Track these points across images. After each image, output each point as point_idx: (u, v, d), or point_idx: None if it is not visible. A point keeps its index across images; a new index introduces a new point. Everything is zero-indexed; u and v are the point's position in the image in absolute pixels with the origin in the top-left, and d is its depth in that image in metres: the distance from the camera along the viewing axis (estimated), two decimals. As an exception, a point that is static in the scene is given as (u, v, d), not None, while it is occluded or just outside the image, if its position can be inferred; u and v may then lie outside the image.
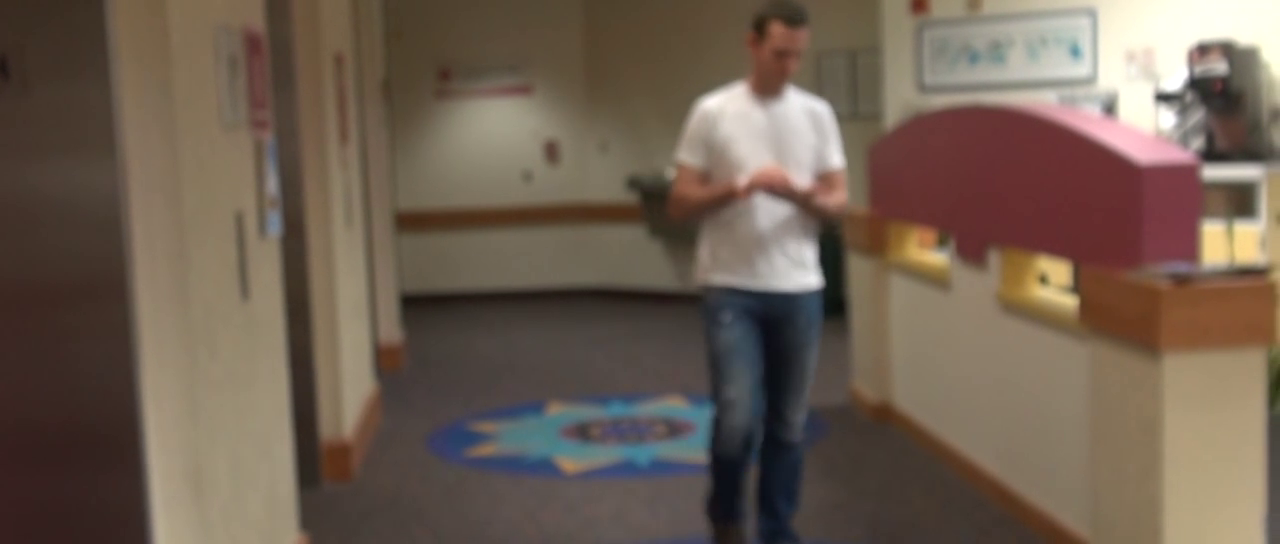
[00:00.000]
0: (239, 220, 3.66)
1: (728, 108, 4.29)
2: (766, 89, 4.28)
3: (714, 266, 4.27)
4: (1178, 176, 3.80)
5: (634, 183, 10.46)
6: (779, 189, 4.11)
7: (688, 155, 4.30)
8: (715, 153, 4.24)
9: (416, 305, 10.54)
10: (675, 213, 4.33)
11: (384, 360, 7.94)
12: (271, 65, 4.59)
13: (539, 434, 6.39)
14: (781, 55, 4.17)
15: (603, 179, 11.07)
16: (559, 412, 6.85)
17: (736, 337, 4.19)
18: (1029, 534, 4.64)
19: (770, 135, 4.26)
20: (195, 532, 3.16)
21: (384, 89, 8.30)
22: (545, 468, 5.78)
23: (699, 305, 4.36)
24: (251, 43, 3.86)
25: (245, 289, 3.69)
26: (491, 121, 11.28)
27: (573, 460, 5.87)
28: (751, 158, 4.20)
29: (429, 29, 11.09)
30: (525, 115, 11.25)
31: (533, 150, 11.26)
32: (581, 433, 6.38)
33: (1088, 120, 4.42)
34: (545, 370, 8.10)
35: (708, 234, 4.29)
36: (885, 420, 6.34)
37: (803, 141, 4.32)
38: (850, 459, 5.79)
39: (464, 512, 5.19)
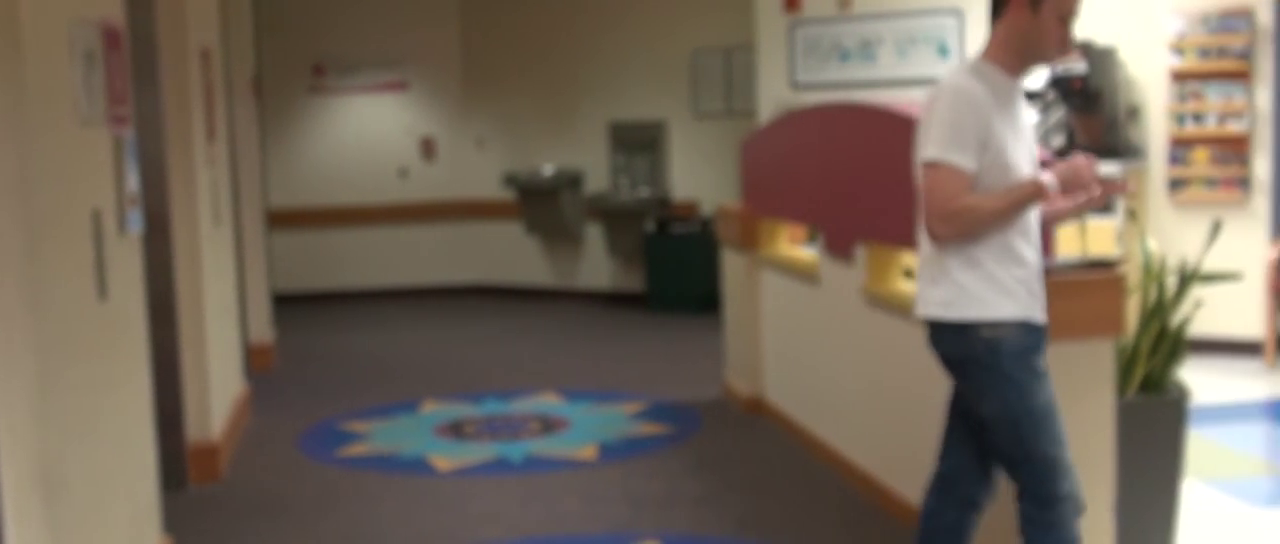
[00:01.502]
0: (96, 219, 3.58)
1: (993, 95, 3.22)
2: (1025, 67, 3.29)
3: (1002, 295, 3.23)
4: (1032, 173, 3.90)
5: (511, 180, 10.43)
6: (1087, 190, 3.29)
7: (960, 155, 3.16)
8: (989, 155, 3.19)
9: (291, 304, 10.39)
10: (951, 230, 3.20)
11: (255, 360, 7.82)
12: (133, 60, 4.50)
13: (412, 433, 6.35)
14: (1068, 19, 3.25)
15: (480, 176, 11.02)
16: (433, 410, 6.81)
17: (1052, 392, 3.30)
18: (895, 523, 4.74)
19: (1026, 131, 3.36)
20: (48, 537, 3.09)
21: (254, 85, 8.17)
22: (418, 466, 5.74)
23: (973, 349, 3.26)
24: (109, 37, 3.78)
25: (103, 289, 3.61)
26: (366, 118, 11.16)
27: (446, 459, 5.84)
28: (1021, 164, 3.27)
29: (302, 24, 10.94)
30: (401, 112, 11.15)
31: (409, 147, 11.17)
32: (455, 431, 6.35)
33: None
34: (420, 368, 8.05)
35: (983, 254, 3.23)
36: (757, 413, 6.42)
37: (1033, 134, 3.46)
38: (722, 452, 5.85)
39: (335, 512, 5.14)
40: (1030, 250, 3.28)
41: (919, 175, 3.26)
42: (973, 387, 3.31)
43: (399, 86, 11.13)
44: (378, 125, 11.15)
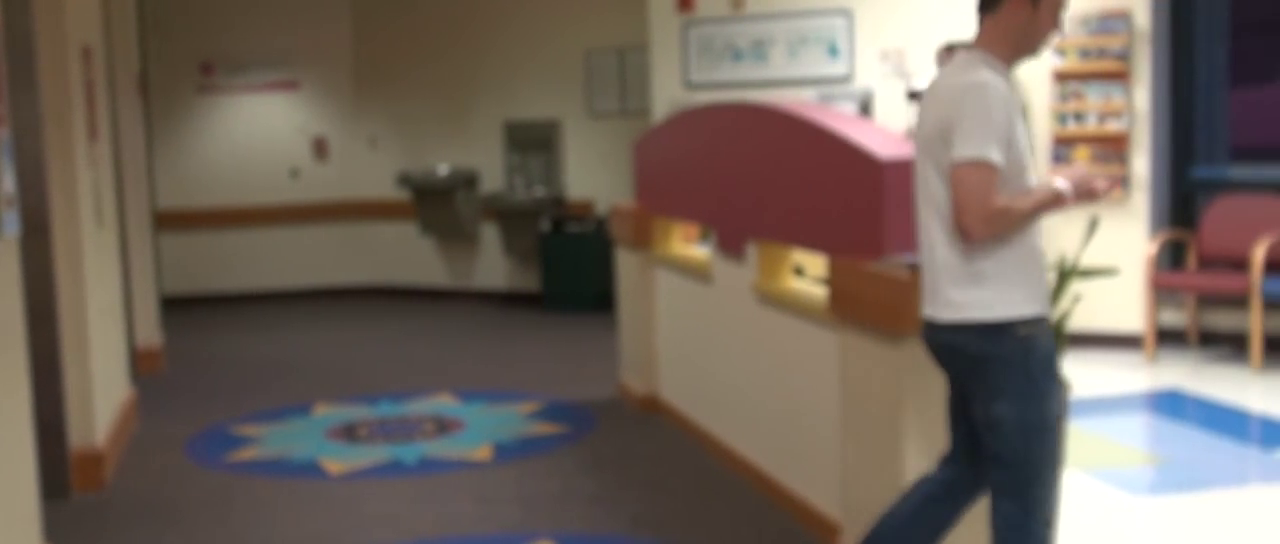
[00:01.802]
0: (-31, 220, 3.48)
1: (1008, 89, 3.21)
2: (1018, 58, 3.29)
3: (1031, 294, 3.21)
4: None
5: (405, 179, 10.35)
6: (1093, 197, 3.27)
7: (996, 153, 3.11)
8: (1011, 151, 3.16)
9: (180, 307, 10.21)
10: (990, 231, 3.14)
11: (142, 364, 7.67)
12: (9, 58, 4.38)
13: (304, 436, 6.27)
14: (1061, 11, 3.27)
15: (373, 176, 10.92)
16: (326, 413, 6.73)
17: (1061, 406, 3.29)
18: (786, 519, 4.79)
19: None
20: (-79, 548, 3.00)
21: (140, 84, 8.00)
22: (310, 470, 5.68)
23: (1003, 348, 3.20)
24: (-19, 34, 3.68)
25: (-23, 292, 3.51)
26: (257, 117, 11.00)
27: (338, 462, 5.78)
28: (1028, 160, 3.27)
29: (189, 22, 10.74)
30: (292, 111, 11.01)
31: (300, 147, 11.02)
32: (348, 433, 6.29)
33: (834, 117, 4.59)
34: (313, 371, 7.95)
35: (1012, 254, 3.20)
36: (652, 412, 6.45)
37: None
38: (617, 451, 5.86)
39: (224, 518, 5.06)
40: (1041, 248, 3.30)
41: (952, 175, 3.16)
42: (990, 385, 3.23)
43: (290, 85, 10.99)
44: (268, 125, 11.00)
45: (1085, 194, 3.21)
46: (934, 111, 3.24)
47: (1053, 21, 3.24)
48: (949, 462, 3.52)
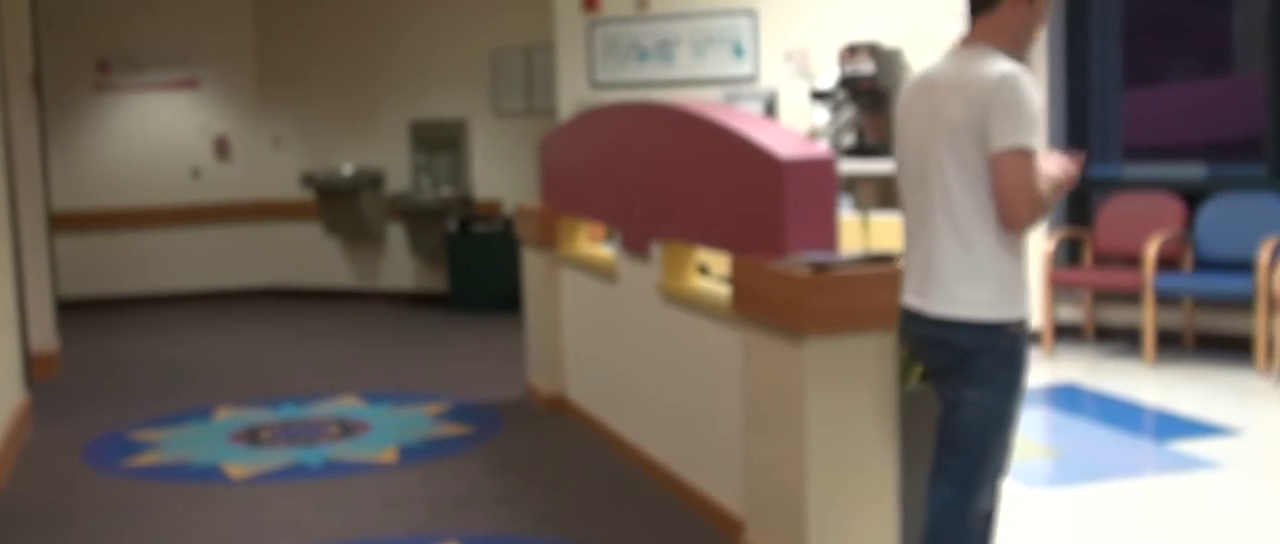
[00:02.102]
0: None
1: None
2: (1018, 53, 3.26)
3: (1024, 293, 3.26)
4: (816, 170, 4.02)
5: (309, 179, 10.23)
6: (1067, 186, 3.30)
7: (1037, 141, 3.12)
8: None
9: (78, 310, 9.99)
10: (1035, 218, 3.16)
11: (37, 369, 7.49)
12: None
13: (205, 440, 6.18)
14: (1051, 6, 3.34)
15: (276, 176, 10.78)
16: (227, 416, 6.64)
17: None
18: (691, 517, 4.82)
19: None
20: None
21: (34, 82, 7.82)
22: (211, 475, 5.59)
23: (997, 343, 3.23)
24: None
25: None
26: (156, 117, 10.80)
27: (240, 466, 5.70)
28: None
29: (85, 19, 10.52)
30: (193, 110, 10.82)
31: (201, 146, 10.85)
32: (251, 437, 6.20)
33: (737, 117, 4.62)
34: (215, 374, 7.83)
35: (1008, 251, 3.22)
36: (559, 412, 6.44)
37: None
38: (524, 451, 5.85)
39: (122, 525, 4.97)
40: None
41: (996, 165, 3.11)
42: (974, 374, 3.25)
43: (190, 84, 10.80)
44: (168, 124, 10.80)
45: (1066, 182, 3.26)
46: (957, 103, 3.17)
47: (1045, 17, 3.30)
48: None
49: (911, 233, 3.37)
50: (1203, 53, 9.80)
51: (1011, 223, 3.15)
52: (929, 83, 3.30)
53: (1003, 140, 3.08)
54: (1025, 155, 3.08)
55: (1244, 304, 6.99)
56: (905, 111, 3.38)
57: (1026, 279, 3.26)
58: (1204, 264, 7.36)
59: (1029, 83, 3.12)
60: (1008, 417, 3.28)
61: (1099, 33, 7.77)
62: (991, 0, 3.24)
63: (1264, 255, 6.73)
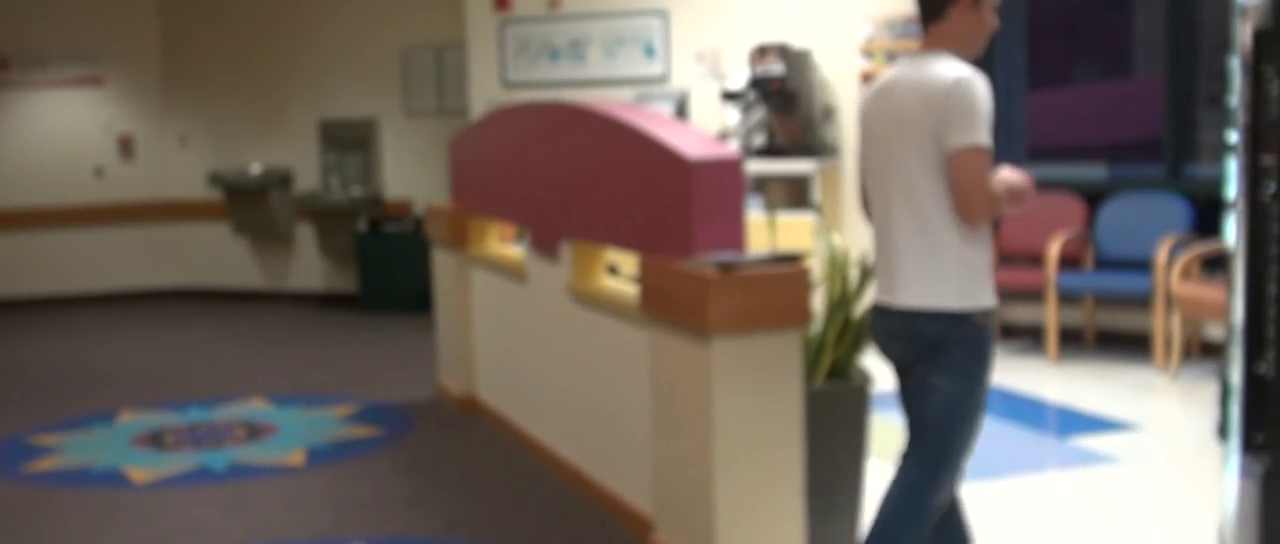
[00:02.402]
0: None
1: None
2: (971, 57, 3.45)
3: (989, 283, 3.39)
4: (723, 171, 4.05)
5: (217, 179, 10.08)
6: (1024, 199, 3.46)
7: (990, 140, 3.29)
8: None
9: (-25, 312, 9.77)
10: (990, 213, 3.31)
11: (-67, 373, 7.32)
12: None
13: (108, 444, 6.07)
14: (996, 8, 3.52)
15: (183, 175, 10.60)
16: (131, 420, 6.52)
17: None
18: (601, 516, 4.82)
19: None
20: None
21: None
22: (113, 479, 5.49)
23: (963, 332, 3.37)
24: None
25: None
26: (58, 114, 10.56)
27: (144, 470, 5.60)
28: None
29: (-17, 14, 10.29)
30: (96, 108, 10.61)
31: (105, 145, 10.63)
32: (155, 441, 6.10)
33: (646, 117, 4.63)
34: (119, 377, 7.69)
35: (973, 241, 3.36)
36: (471, 413, 6.42)
37: None
38: (434, 453, 5.82)
39: (20, 532, 4.86)
40: None
41: (953, 162, 3.27)
42: (942, 362, 3.39)
43: (94, 81, 10.59)
44: (70, 122, 10.57)
45: (1021, 196, 3.42)
46: (915, 105, 3.33)
47: (993, 21, 3.49)
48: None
49: (878, 232, 3.51)
50: (1105, 56, 10.01)
51: (967, 216, 3.31)
52: (889, 87, 3.47)
53: (958, 139, 3.26)
54: (979, 153, 3.26)
55: (1143, 302, 7.14)
56: (868, 115, 3.53)
57: (990, 269, 3.40)
58: (1104, 263, 7.51)
59: (981, 85, 3.29)
60: (974, 403, 3.42)
61: (1004, 36, 7.90)
62: (940, 9, 3.44)
63: (1161, 254, 6.89)
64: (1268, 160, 3.58)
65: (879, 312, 3.50)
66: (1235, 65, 3.98)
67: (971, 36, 3.45)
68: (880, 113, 3.47)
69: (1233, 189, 4.07)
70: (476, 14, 8.92)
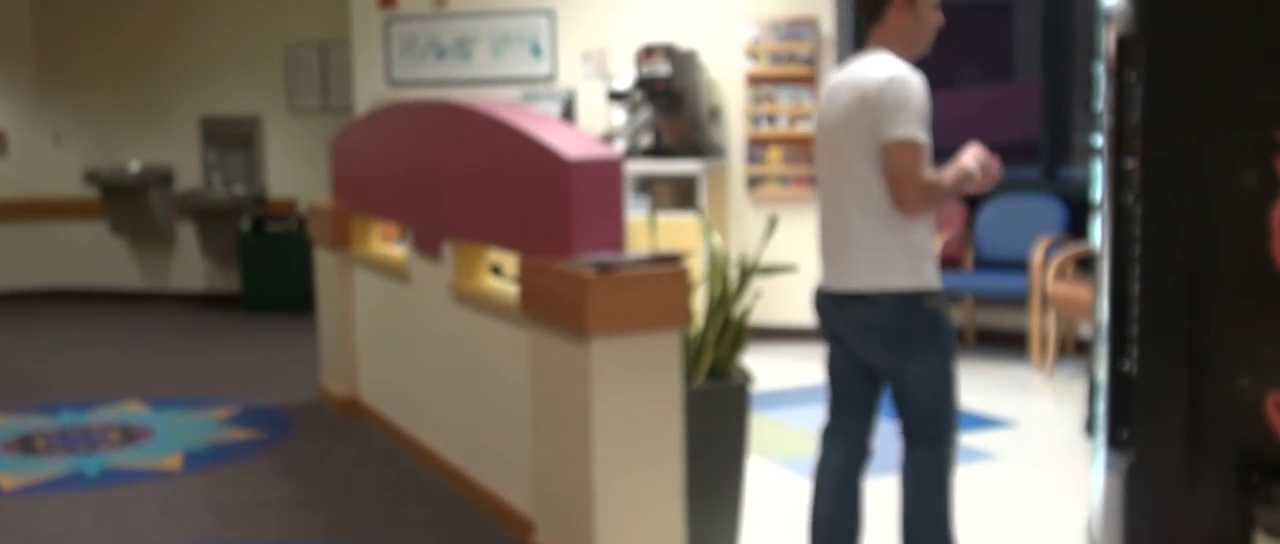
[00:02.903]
0: None
1: None
2: (912, 56, 3.62)
3: (934, 267, 3.57)
4: (603, 171, 4.04)
5: (93, 177, 9.83)
6: (990, 179, 3.64)
7: (924, 134, 3.46)
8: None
9: None
10: (926, 203, 3.47)
11: None
12: None
13: (-26, 450, 5.90)
14: (938, 7, 3.66)
15: (58, 173, 10.33)
16: (0, 424, 6.33)
17: None
18: (482, 517, 4.79)
19: None
20: None
21: None
22: (-21, 486, 5.34)
23: (918, 317, 3.54)
24: None
25: None
26: (-75, 110, 10.25)
27: (12, 476, 5.44)
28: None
29: None
30: (-34, 103, 10.30)
31: (-25, 141, 10.34)
32: (24, 446, 5.93)
33: (526, 117, 4.61)
34: (-12, 380, 7.48)
35: (916, 227, 3.53)
36: (353, 415, 6.34)
37: None
38: (315, 456, 5.74)
39: (-122, 541, 4.70)
40: None
41: (886, 154, 3.45)
42: (903, 350, 3.56)
43: (-37, 76, 10.28)
44: (-61, 118, 10.26)
45: (987, 175, 3.59)
46: (855, 102, 3.50)
47: (932, 17, 3.64)
48: (837, 433, 3.82)
49: (826, 221, 3.67)
50: (986, 60, 10.21)
51: (901, 206, 3.47)
52: (836, 86, 3.64)
53: (890, 133, 3.44)
54: (910, 145, 3.43)
55: (1020, 302, 7.29)
56: (821, 113, 3.71)
57: (935, 252, 3.58)
58: (983, 263, 7.66)
59: (915, 82, 3.48)
60: (948, 375, 3.61)
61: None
62: (877, 10, 3.62)
63: (1037, 255, 7.04)
64: (1131, 163, 3.68)
65: (829, 298, 3.66)
66: (1101, 70, 4.09)
67: (911, 35, 3.62)
68: (829, 110, 3.63)
69: (1099, 191, 4.18)
70: (361, 11, 8.82)
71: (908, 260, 3.51)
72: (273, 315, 9.35)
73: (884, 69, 3.49)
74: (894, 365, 3.60)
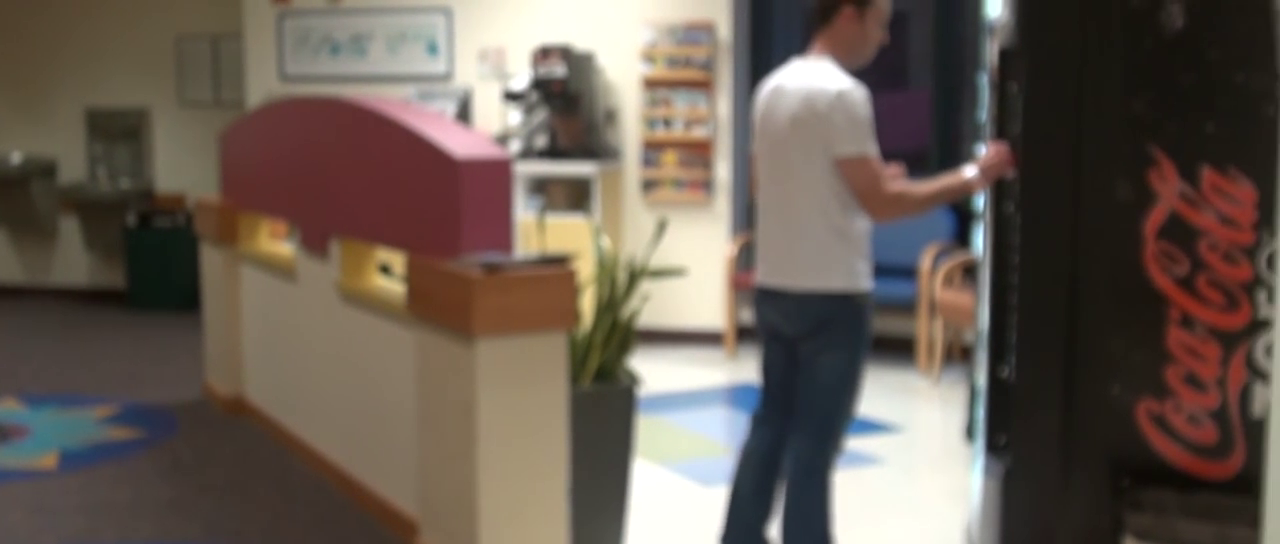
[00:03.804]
0: None
1: None
2: (854, 65, 3.76)
3: (868, 268, 3.77)
4: (492, 171, 4.02)
5: (-28, 167, 9.56)
6: (1005, 171, 3.74)
7: (874, 147, 3.63)
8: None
9: None
10: (894, 213, 3.67)
11: None
12: None
13: None
14: (885, 23, 3.78)
15: (-64, 163, 10.01)
16: None
17: None
18: (367, 519, 4.74)
19: None
20: None
21: None
22: None
23: (845, 313, 3.73)
24: None
25: None
26: None
27: (-123, 475, 5.28)
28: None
29: None
30: None
31: None
32: (-109, 444, 5.75)
33: (416, 115, 4.58)
34: None
35: (853, 230, 3.70)
36: (238, 414, 6.23)
37: None
38: (198, 455, 5.63)
39: None
40: None
41: (843, 171, 3.61)
42: (826, 343, 3.73)
43: None
44: None
45: (997, 172, 3.72)
46: (803, 112, 3.63)
47: (878, 32, 3.76)
48: (768, 420, 3.95)
49: (767, 223, 3.81)
50: (880, 69, 10.28)
51: (873, 216, 3.68)
52: (779, 90, 3.75)
53: (843, 149, 3.60)
54: (864, 161, 3.61)
55: (908, 308, 7.40)
56: (761, 116, 3.81)
57: (870, 255, 3.77)
58: (875, 270, 7.73)
59: (861, 96, 3.62)
60: (856, 374, 3.79)
61: (782, 46, 8.08)
62: (828, 16, 3.73)
63: (926, 262, 7.14)
64: (1010, 174, 3.75)
65: (768, 295, 3.81)
66: (985, 82, 4.16)
67: (855, 46, 3.75)
68: (772, 115, 3.75)
69: (981, 201, 4.26)
70: (255, 5, 8.68)
71: (847, 263, 3.68)
72: (158, 312, 9.15)
73: (832, 82, 3.62)
74: (811, 351, 3.74)
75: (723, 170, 7.92)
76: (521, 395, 3.87)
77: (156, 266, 9.27)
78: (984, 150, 3.87)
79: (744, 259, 8.06)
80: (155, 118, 9.63)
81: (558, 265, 3.89)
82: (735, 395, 6.91)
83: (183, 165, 9.62)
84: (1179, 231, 3.47)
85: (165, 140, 9.66)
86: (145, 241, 9.29)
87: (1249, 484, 3.39)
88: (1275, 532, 1.85)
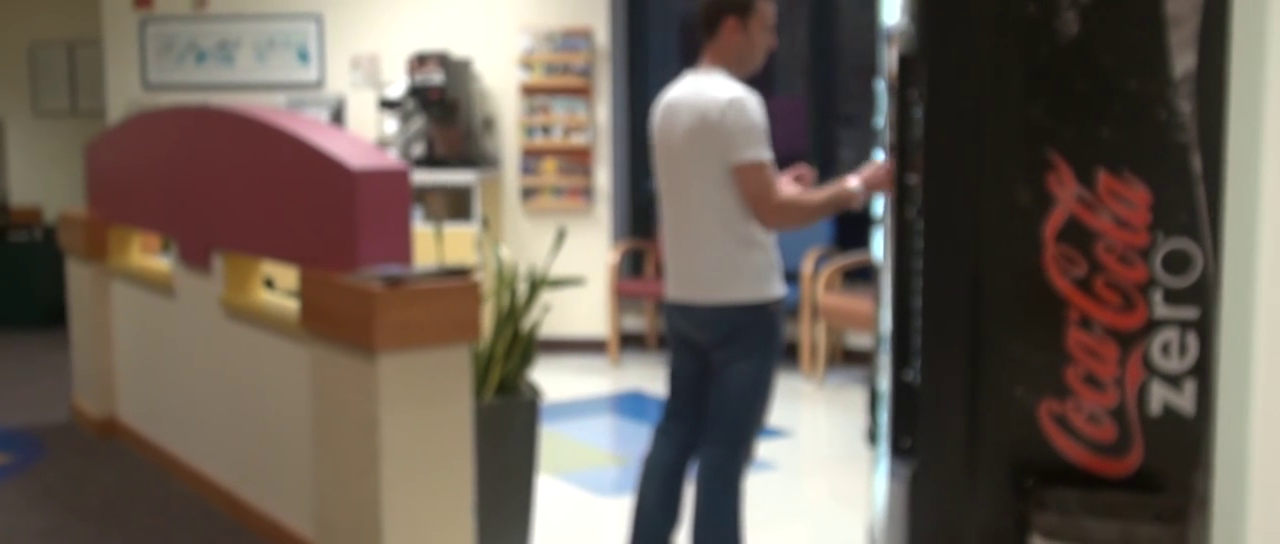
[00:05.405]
0: None
1: None
2: (743, 74, 3.75)
3: (778, 276, 3.75)
4: (389, 181, 3.93)
5: None
6: (885, 187, 3.72)
7: (768, 154, 3.61)
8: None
9: None
10: (783, 221, 3.64)
11: None
12: None
13: None
14: (771, 29, 3.78)
15: None
16: None
17: None
18: (253, 538, 4.60)
19: None
20: None
21: None
22: None
23: (758, 320, 3.71)
24: None
25: None
26: None
27: None
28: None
29: None
30: None
31: None
32: None
33: (305, 125, 4.45)
34: None
35: (761, 239, 3.69)
36: (111, 436, 6.00)
37: None
38: (70, 480, 5.40)
39: None
40: None
41: (737, 177, 3.60)
42: (737, 351, 3.71)
43: None
44: None
45: (877, 185, 3.72)
46: (697, 124, 3.63)
47: (763, 38, 3.76)
48: (671, 431, 3.94)
49: (672, 239, 3.80)
50: (751, 77, 10.33)
51: (763, 223, 3.65)
52: (673, 105, 3.75)
53: (738, 156, 3.58)
54: (757, 167, 3.59)
55: (790, 313, 7.46)
56: (658, 133, 3.81)
57: (779, 263, 3.74)
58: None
59: (753, 103, 3.61)
60: (768, 381, 3.78)
61: (659, 54, 8.09)
62: (713, 27, 3.73)
63: (808, 267, 7.21)
64: (913, 179, 3.79)
65: (676, 309, 3.80)
66: (881, 88, 4.19)
67: (743, 55, 3.74)
68: (667, 129, 3.75)
69: (880, 206, 4.29)
70: (114, 10, 8.39)
71: (753, 274, 3.67)
72: (15, 331, 8.78)
73: (723, 91, 3.61)
74: (723, 360, 3.74)
75: (603, 177, 7.89)
76: (425, 411, 3.78)
77: (12, 283, 8.91)
78: (878, 157, 3.90)
79: (627, 266, 8.05)
80: (8, 128, 9.27)
81: (460, 277, 3.82)
82: (621, 403, 6.88)
83: (38, 177, 9.26)
84: (1077, 234, 3.53)
85: (19, 152, 9.29)
86: (0, 257, 8.92)
87: (1148, 481, 3.46)
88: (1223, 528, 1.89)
